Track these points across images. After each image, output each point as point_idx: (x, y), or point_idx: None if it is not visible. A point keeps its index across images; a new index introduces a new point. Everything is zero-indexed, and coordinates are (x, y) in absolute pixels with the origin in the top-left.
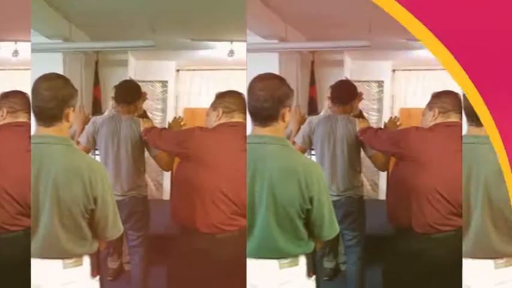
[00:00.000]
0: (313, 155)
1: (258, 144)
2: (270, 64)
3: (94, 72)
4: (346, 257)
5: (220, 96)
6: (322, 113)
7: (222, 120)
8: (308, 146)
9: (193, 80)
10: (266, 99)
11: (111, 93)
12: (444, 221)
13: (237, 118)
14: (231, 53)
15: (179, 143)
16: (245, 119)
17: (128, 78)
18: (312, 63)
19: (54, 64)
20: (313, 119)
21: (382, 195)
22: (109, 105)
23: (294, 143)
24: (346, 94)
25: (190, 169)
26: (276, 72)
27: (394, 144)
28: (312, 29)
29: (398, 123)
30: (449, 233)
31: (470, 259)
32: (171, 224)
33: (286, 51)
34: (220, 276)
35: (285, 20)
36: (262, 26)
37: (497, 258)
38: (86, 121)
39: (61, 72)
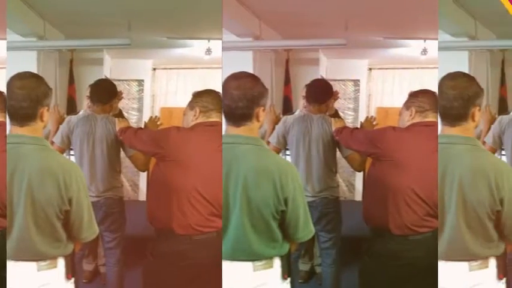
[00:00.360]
0: (288, 155)
1: (232, 144)
2: (245, 63)
3: (69, 70)
4: (322, 259)
5: (197, 96)
6: (297, 113)
7: (199, 120)
8: (283, 146)
9: (170, 79)
10: (240, 98)
11: (86, 92)
12: (421, 222)
13: (214, 118)
14: (208, 51)
15: (155, 143)
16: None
17: (103, 77)
18: (287, 61)
19: (29, 62)
20: (288, 118)
21: (359, 196)
22: (84, 105)
23: (268, 143)
24: (321, 93)
25: (166, 169)
26: (250, 70)
27: (371, 144)
28: (287, 27)
29: (374, 122)
30: (426, 235)
31: (445, 261)
32: (147, 225)
33: (261, 50)
34: (197, 279)
35: (260, 17)
36: (236, 24)
37: (472, 260)
38: (60, 121)
39: (35, 71)
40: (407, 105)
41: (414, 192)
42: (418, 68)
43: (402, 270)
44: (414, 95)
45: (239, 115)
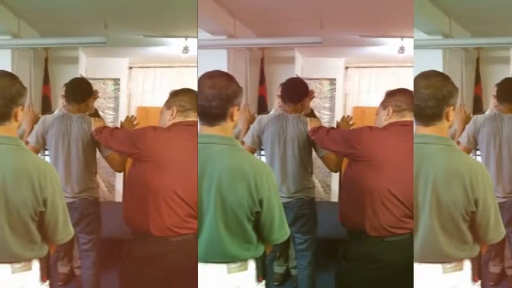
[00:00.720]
0: (263, 155)
1: (206, 144)
2: (220, 61)
3: (44, 69)
4: (297, 261)
5: (175, 95)
6: (272, 112)
7: (177, 120)
8: (257, 146)
9: (147, 78)
10: (214, 97)
11: (62, 91)
12: (398, 223)
13: (192, 117)
14: (186, 49)
15: (132, 143)
16: None
17: (78, 76)
18: (262, 60)
19: (3, 61)
20: (263, 118)
21: (335, 197)
22: (59, 104)
23: (243, 142)
24: (297, 92)
25: (143, 170)
26: (225, 69)
27: (347, 144)
28: (262, 25)
29: (351, 122)
30: (403, 236)
31: (419, 263)
32: (123, 227)
33: (235, 48)
34: (174, 281)
35: (234, 15)
36: (210, 22)
37: (446, 262)
38: (35, 120)
39: (9, 70)
40: (384, 104)
41: (391, 193)
42: (395, 66)
43: (379, 272)
44: (391, 94)
45: (213, 114)
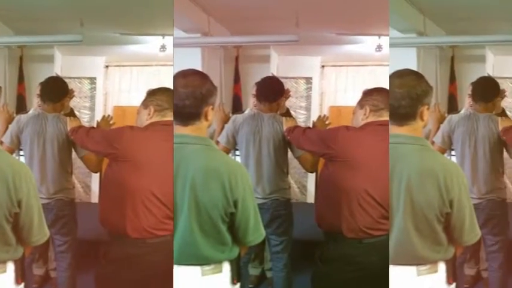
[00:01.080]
0: (238, 155)
1: (181, 144)
2: (194, 60)
3: (18, 68)
4: (273, 263)
5: (152, 94)
6: (247, 112)
7: (154, 119)
8: (232, 146)
9: (123, 77)
10: (187, 96)
11: (37, 90)
12: (376, 225)
13: (169, 117)
14: (163, 48)
15: (108, 143)
16: None
17: (54, 75)
18: (237, 58)
19: None
20: (238, 117)
21: (311, 198)
22: (34, 103)
23: (217, 142)
24: (272, 91)
25: (120, 170)
26: (199, 68)
27: (323, 144)
28: (237, 23)
29: (327, 122)
30: (381, 238)
31: (393, 265)
32: (99, 228)
33: (209, 46)
34: (151, 283)
35: (208, 13)
36: (184, 20)
37: (420, 264)
38: (9, 120)
39: None
40: (361, 103)
41: (368, 193)
42: (372, 65)
43: (356, 274)
44: (368, 93)
45: (187, 114)
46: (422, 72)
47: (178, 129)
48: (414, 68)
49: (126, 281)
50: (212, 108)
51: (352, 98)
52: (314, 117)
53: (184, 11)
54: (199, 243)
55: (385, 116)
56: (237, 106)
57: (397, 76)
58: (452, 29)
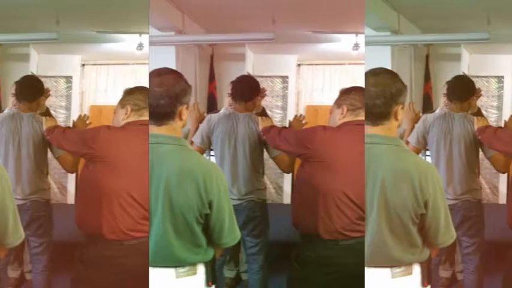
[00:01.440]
0: (213, 155)
1: (155, 144)
2: (168, 58)
3: None
4: (248, 265)
5: (129, 93)
6: (222, 111)
7: (131, 119)
8: (207, 146)
9: (100, 76)
10: (162, 95)
11: (12, 89)
12: (353, 226)
13: (146, 116)
14: (140, 46)
15: (84, 143)
16: None
17: (29, 74)
18: (212, 57)
19: None
20: (213, 117)
21: (287, 199)
22: (9, 103)
23: (192, 142)
24: (247, 90)
25: (96, 171)
26: (173, 66)
27: (300, 144)
28: (212, 21)
29: (304, 121)
30: (358, 240)
31: (368, 267)
32: (75, 229)
33: (184, 45)
34: (128, 286)
35: (183, 10)
36: (158, 18)
37: (395, 266)
38: None
39: None
40: (338, 103)
41: (345, 194)
42: (349, 63)
43: (332, 276)
44: (345, 92)
45: (161, 113)
46: (397, 71)
47: (153, 129)
48: (388, 66)
49: (103, 284)
50: (186, 108)
51: (329, 97)
52: (290, 116)
53: (159, 9)
54: (174, 245)
55: (363, 116)
56: (212, 105)
57: (371, 75)
58: (427, 27)
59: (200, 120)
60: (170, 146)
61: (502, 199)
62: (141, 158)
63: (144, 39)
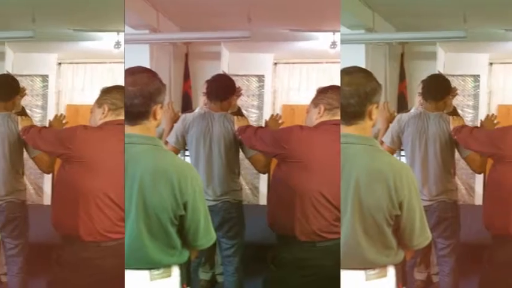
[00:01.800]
0: (188, 155)
1: (129, 144)
2: (143, 56)
3: None
4: (224, 267)
5: (106, 92)
6: (197, 110)
7: (108, 118)
8: (182, 146)
9: (77, 74)
10: (136, 95)
11: None
12: (330, 228)
13: (124, 115)
14: (118, 44)
15: (61, 143)
16: None
17: (5, 73)
18: (186, 55)
19: None
20: (188, 116)
21: (263, 200)
22: None
23: (166, 142)
24: (223, 89)
25: (73, 171)
26: (147, 65)
27: (276, 144)
28: (187, 19)
29: (280, 121)
30: (336, 241)
31: (343, 269)
32: (52, 231)
33: (158, 43)
34: None
35: (157, 8)
36: (132, 15)
37: (369, 269)
38: None
39: None
40: (315, 102)
41: (322, 195)
42: (327, 62)
43: (309, 279)
44: (323, 91)
45: (135, 113)
46: (371, 69)
47: (127, 129)
48: (363, 65)
49: (79, 286)
50: (161, 107)
51: (305, 97)
52: (266, 116)
53: (133, 7)
54: (148, 246)
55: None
56: (187, 105)
57: (345, 74)
58: (402, 25)
59: (175, 119)
60: (144, 146)
61: (478, 200)
62: (118, 158)
63: (122, 37)
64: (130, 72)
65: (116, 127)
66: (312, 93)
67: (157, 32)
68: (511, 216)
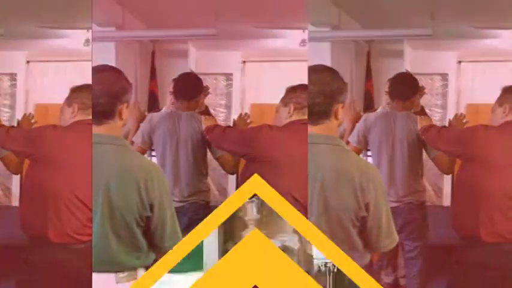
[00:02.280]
0: (154, 156)
1: (96, 144)
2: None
3: None
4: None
5: (76, 91)
6: (164, 110)
7: (78, 118)
8: (148, 146)
9: (46, 73)
10: (101, 94)
11: None
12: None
13: None
14: (88, 42)
15: (29, 143)
16: None
17: None
18: (153, 53)
19: None
20: (154, 116)
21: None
22: None
23: (132, 143)
24: (190, 88)
25: (41, 172)
26: (113, 63)
27: (244, 144)
28: (153, 16)
29: (249, 120)
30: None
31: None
32: (20, 232)
33: (124, 41)
34: None
35: (123, 4)
36: (98, 12)
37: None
38: None
39: None
40: (284, 101)
41: (292, 196)
42: (295, 60)
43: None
44: (292, 90)
45: (101, 112)
46: (337, 68)
47: (94, 129)
48: (329, 63)
49: None
50: (127, 107)
51: (275, 96)
52: (235, 115)
53: (99, 4)
54: (113, 248)
55: None
56: (153, 104)
57: (310, 72)
58: (368, 23)
59: (141, 119)
60: (110, 146)
61: (446, 201)
62: (87, 158)
63: (91, 35)
64: (96, 71)
65: (86, 127)
66: (282, 92)
67: (123, 29)
68: (479, 217)
